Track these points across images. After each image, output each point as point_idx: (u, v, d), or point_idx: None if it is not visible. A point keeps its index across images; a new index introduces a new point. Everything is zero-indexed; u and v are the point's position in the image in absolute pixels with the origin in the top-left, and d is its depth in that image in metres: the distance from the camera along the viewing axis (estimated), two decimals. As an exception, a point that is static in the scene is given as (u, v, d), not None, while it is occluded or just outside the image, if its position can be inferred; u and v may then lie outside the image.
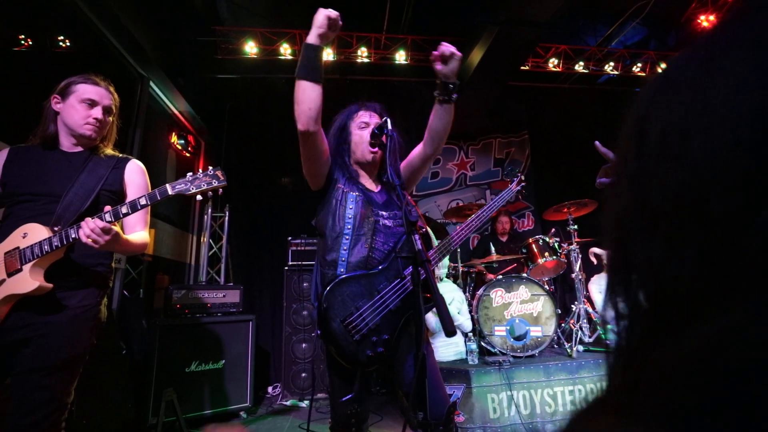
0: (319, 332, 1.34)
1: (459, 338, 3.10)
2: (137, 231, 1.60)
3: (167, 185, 1.49)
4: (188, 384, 2.95)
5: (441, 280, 3.28)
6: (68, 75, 1.58)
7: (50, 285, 1.38)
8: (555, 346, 3.22)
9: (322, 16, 1.31)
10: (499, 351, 2.89)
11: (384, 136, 1.38)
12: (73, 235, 1.36)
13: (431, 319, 2.90)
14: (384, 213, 1.45)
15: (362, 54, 4.53)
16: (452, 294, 3.15)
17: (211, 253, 4.74)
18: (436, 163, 5.73)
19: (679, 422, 0.18)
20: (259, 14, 4.21)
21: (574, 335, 3.08)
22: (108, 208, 1.41)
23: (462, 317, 3.09)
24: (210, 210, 4.78)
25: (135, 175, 1.65)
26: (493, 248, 3.63)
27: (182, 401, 2.72)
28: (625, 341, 0.25)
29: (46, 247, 1.37)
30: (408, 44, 4.57)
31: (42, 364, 1.34)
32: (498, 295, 3.06)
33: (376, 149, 1.50)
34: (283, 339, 3.71)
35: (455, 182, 5.80)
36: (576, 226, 3.53)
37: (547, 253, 3.45)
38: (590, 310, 3.33)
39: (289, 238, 3.98)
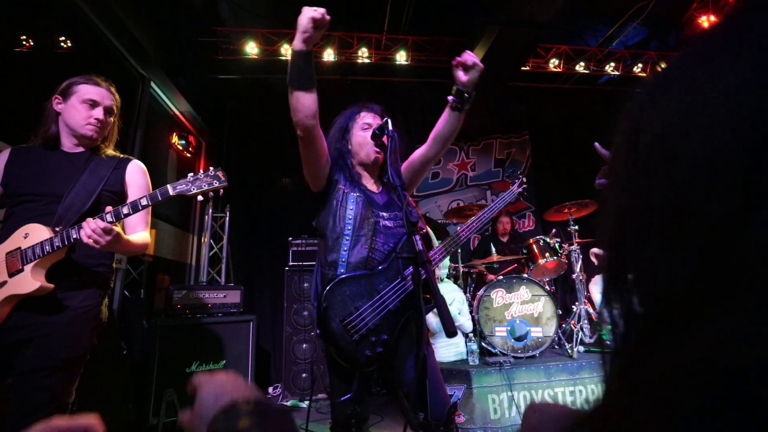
0: (318, 332, 1.34)
1: (460, 339, 3.09)
2: (138, 231, 1.60)
3: (168, 186, 1.50)
4: (189, 384, 2.95)
5: (442, 280, 3.28)
6: (69, 75, 1.59)
7: (51, 285, 1.38)
8: (556, 346, 3.21)
9: (306, 18, 1.22)
10: (500, 351, 2.89)
11: (385, 137, 1.38)
12: (75, 236, 1.37)
13: (432, 319, 2.90)
14: (385, 214, 1.45)
15: (363, 54, 4.53)
16: (453, 294, 3.15)
17: (211, 253, 4.74)
18: (437, 164, 5.73)
19: (679, 424, 0.18)
20: (260, 15, 4.22)
21: (574, 336, 3.07)
22: (109, 208, 1.42)
23: (463, 318, 3.09)
24: (211, 210, 4.79)
25: (136, 176, 1.65)
26: (493, 249, 3.63)
27: (183, 402, 2.73)
28: (621, 344, 0.25)
29: (48, 248, 1.37)
30: (408, 45, 4.57)
31: (43, 364, 1.34)
32: (499, 296, 3.05)
33: (380, 150, 1.50)
34: (284, 339, 3.71)
35: (456, 183, 5.79)
36: (577, 227, 3.52)
37: (547, 254, 3.45)
38: (591, 310, 3.32)
39: (290, 238, 3.98)
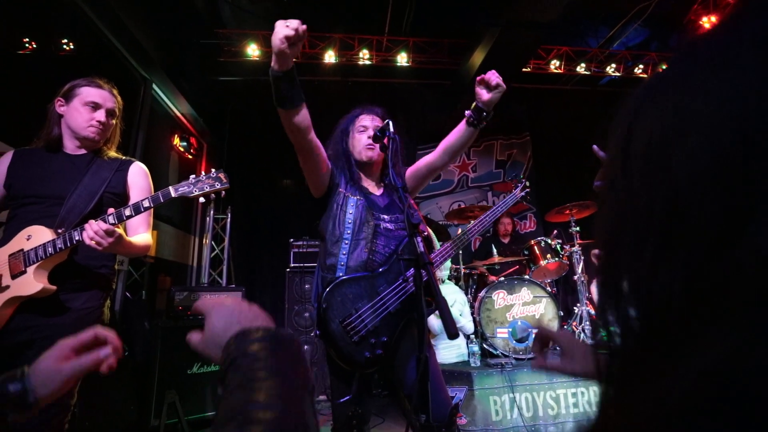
0: (318, 333, 1.34)
1: (461, 340, 3.09)
2: (140, 233, 1.60)
3: (170, 188, 1.50)
4: (190, 386, 2.95)
5: (443, 281, 3.28)
6: (72, 78, 1.59)
7: (54, 287, 1.38)
8: (557, 348, 3.20)
9: (279, 39, 1.11)
10: (501, 353, 2.88)
11: (386, 139, 1.38)
12: (77, 238, 1.37)
13: (433, 321, 2.89)
14: (386, 216, 1.46)
15: (364, 56, 4.54)
16: (454, 296, 3.14)
17: (213, 254, 4.75)
18: (438, 165, 5.73)
19: None
20: (262, 17, 4.23)
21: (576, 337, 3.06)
22: (111, 210, 1.42)
23: (464, 319, 3.09)
24: (212, 212, 4.80)
25: (138, 178, 1.65)
26: (495, 250, 3.63)
27: (184, 403, 2.73)
28: (619, 356, 0.25)
29: (50, 249, 1.37)
30: (410, 46, 4.58)
31: (45, 365, 1.35)
32: (500, 297, 3.05)
33: (374, 147, 1.51)
34: (285, 341, 3.70)
35: (457, 184, 5.79)
36: (578, 228, 3.52)
37: (549, 255, 3.44)
38: (593, 312, 3.31)
39: (291, 239, 3.98)
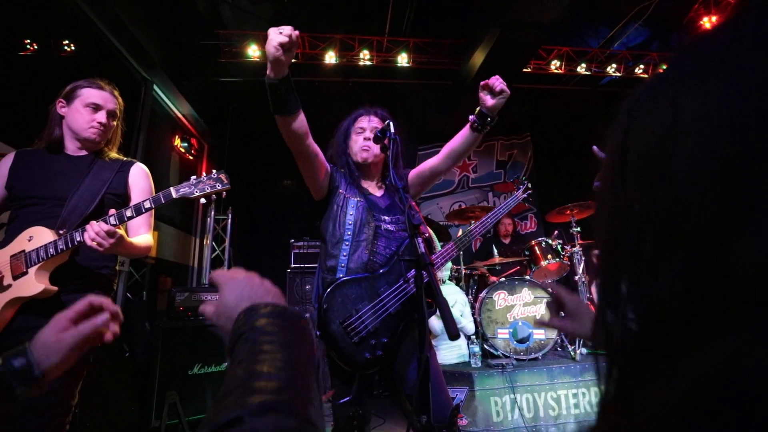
0: (318, 333, 1.34)
1: (462, 341, 3.09)
2: (141, 234, 1.60)
3: (171, 189, 1.50)
4: (191, 386, 2.95)
5: (443, 282, 3.28)
6: (73, 79, 1.60)
7: (55, 288, 1.39)
8: (558, 349, 3.20)
9: (273, 47, 1.11)
10: (502, 354, 2.88)
11: (387, 139, 1.38)
12: (78, 239, 1.37)
13: (434, 322, 2.89)
14: (386, 218, 1.46)
15: (364, 57, 4.54)
16: (455, 296, 3.14)
17: (213, 255, 4.76)
18: (439, 166, 5.73)
19: None
20: (263, 17, 4.24)
21: (577, 338, 3.06)
22: (113, 211, 1.42)
23: (465, 320, 3.08)
24: (213, 212, 4.80)
25: (139, 179, 1.65)
26: (495, 250, 3.63)
27: (185, 404, 2.73)
28: (618, 360, 0.25)
29: (52, 251, 1.37)
30: (410, 47, 4.58)
31: (47, 366, 1.35)
32: (501, 298, 3.05)
33: (369, 149, 1.51)
34: (286, 341, 3.70)
35: (458, 184, 5.79)
36: (579, 228, 3.52)
37: (550, 256, 3.44)
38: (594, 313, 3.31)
39: (292, 240, 3.99)
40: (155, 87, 3.90)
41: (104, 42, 3.23)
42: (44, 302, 1.38)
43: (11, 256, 1.40)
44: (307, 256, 3.90)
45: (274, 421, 0.33)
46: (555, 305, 0.86)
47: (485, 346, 2.98)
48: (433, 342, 2.92)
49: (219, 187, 1.54)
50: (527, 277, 3.20)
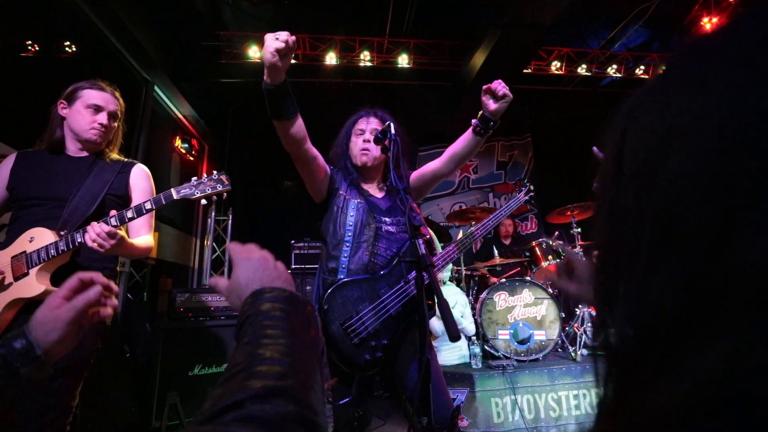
0: None
1: (462, 342, 3.08)
2: (142, 235, 1.61)
3: (172, 190, 1.50)
4: (191, 387, 2.95)
5: (444, 283, 3.28)
6: (74, 80, 1.60)
7: (56, 289, 1.39)
8: (559, 350, 3.20)
9: (269, 53, 1.10)
10: (503, 355, 2.88)
11: (387, 141, 1.38)
12: (79, 240, 1.37)
13: (435, 323, 2.89)
14: (387, 219, 1.46)
15: (365, 58, 4.55)
16: (455, 297, 3.14)
17: (214, 256, 4.76)
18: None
19: None
20: (263, 19, 4.24)
21: (578, 339, 3.06)
22: (113, 212, 1.42)
23: (465, 321, 3.08)
24: (213, 213, 4.80)
25: (140, 180, 1.66)
26: (496, 251, 3.62)
27: (185, 405, 2.73)
28: (617, 367, 0.25)
29: (53, 251, 1.38)
30: (410, 48, 4.59)
31: (47, 367, 1.35)
32: (501, 299, 3.05)
33: (368, 152, 1.51)
34: (286, 342, 3.70)
35: (458, 185, 5.79)
36: (579, 229, 3.51)
37: (550, 257, 3.43)
38: (594, 313, 3.31)
39: (292, 241, 3.99)
40: (156, 88, 3.91)
41: (105, 43, 3.24)
42: (45, 303, 1.38)
43: (12, 257, 1.40)
44: (307, 256, 3.90)
45: (274, 406, 0.33)
46: (565, 268, 0.86)
47: (486, 347, 2.97)
48: (434, 343, 2.92)
49: (220, 188, 1.54)
50: (528, 278, 3.19)
